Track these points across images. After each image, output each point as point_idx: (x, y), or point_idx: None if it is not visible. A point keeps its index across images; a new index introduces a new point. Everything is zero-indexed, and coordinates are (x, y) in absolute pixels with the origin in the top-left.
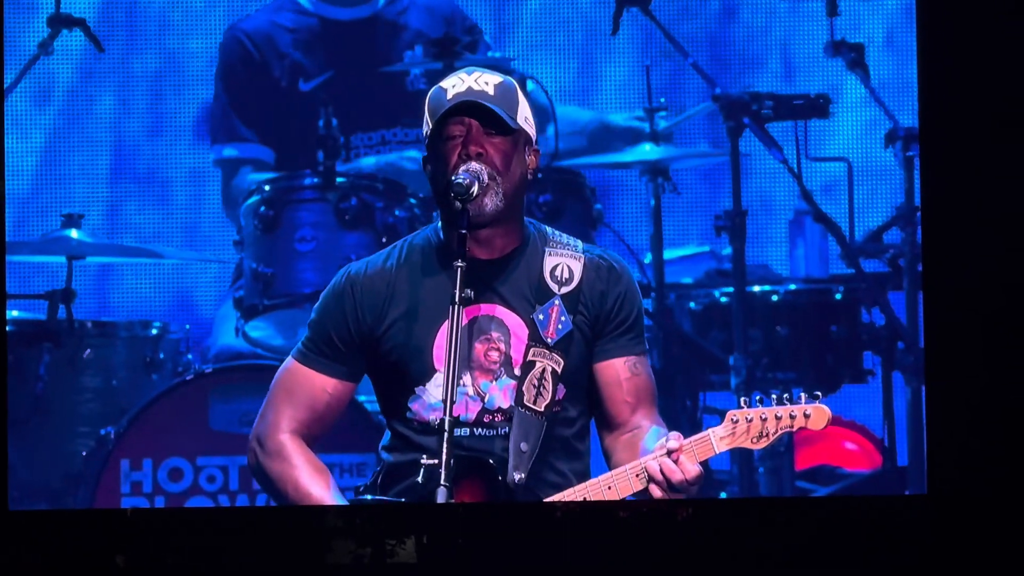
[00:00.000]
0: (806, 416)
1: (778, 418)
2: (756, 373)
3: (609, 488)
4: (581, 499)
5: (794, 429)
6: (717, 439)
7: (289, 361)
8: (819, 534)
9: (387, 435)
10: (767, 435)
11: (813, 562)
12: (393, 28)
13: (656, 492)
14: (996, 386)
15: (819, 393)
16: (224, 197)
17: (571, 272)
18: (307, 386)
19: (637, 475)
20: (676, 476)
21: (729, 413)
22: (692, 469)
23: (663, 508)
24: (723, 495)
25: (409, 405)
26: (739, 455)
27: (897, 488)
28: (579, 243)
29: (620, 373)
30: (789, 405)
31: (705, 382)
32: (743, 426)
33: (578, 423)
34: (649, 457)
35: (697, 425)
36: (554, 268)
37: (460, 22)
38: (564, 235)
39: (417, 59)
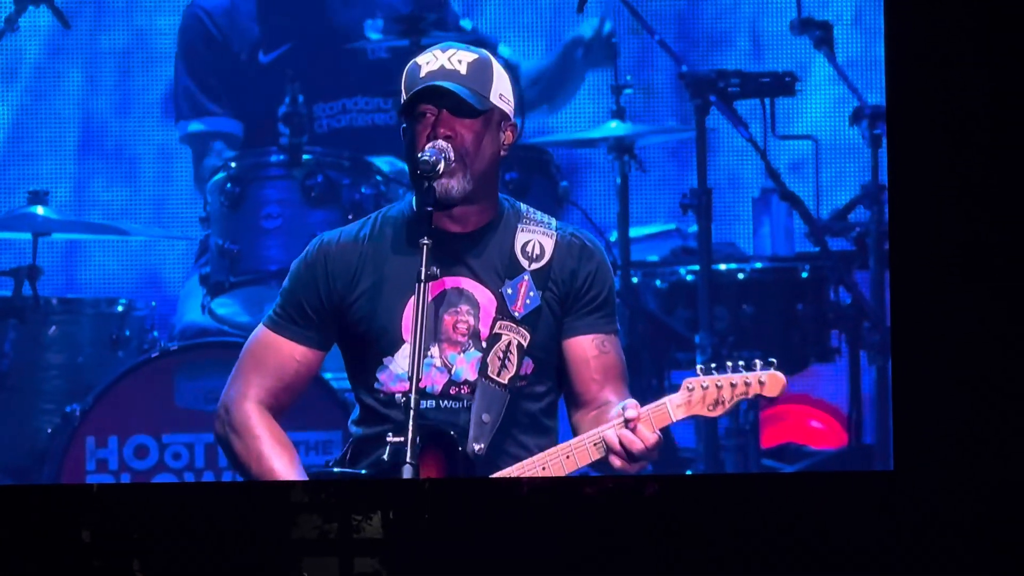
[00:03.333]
0: (760, 383)
1: (733, 385)
2: (722, 351)
3: (567, 457)
4: (540, 468)
5: (749, 396)
6: (674, 407)
7: (259, 328)
8: (785, 510)
9: (356, 409)
10: (723, 403)
11: (779, 538)
12: None
13: (615, 462)
14: (961, 364)
15: (774, 360)
16: (196, 175)
17: (542, 248)
18: (276, 353)
19: (595, 444)
20: (635, 446)
21: (685, 381)
22: (650, 436)
23: (629, 484)
24: (688, 472)
25: (377, 376)
26: (704, 432)
27: (863, 466)
28: (553, 221)
29: (588, 351)
30: (744, 372)
31: (671, 360)
32: (699, 394)
33: (546, 399)
34: (606, 426)
35: None
36: (525, 244)
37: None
38: (539, 212)
39: (379, 29)
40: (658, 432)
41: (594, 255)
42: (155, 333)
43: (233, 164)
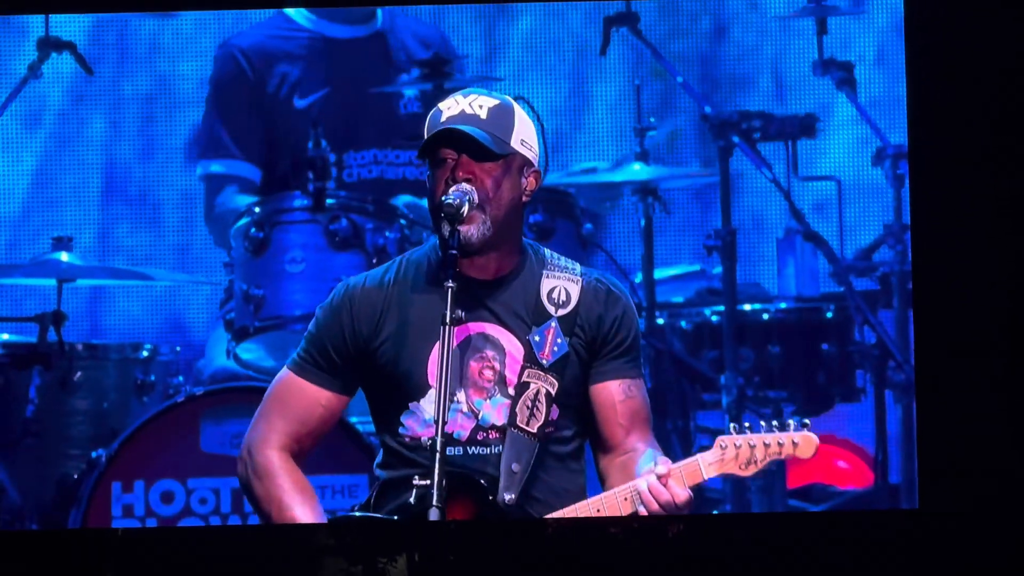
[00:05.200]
0: (794, 444)
1: (766, 445)
2: (747, 392)
3: (598, 510)
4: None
5: (782, 456)
6: (706, 464)
7: (284, 371)
8: (811, 550)
9: (380, 453)
10: (755, 462)
11: None
12: (390, 49)
13: (644, 515)
14: (985, 402)
15: (808, 421)
16: (206, 213)
17: (568, 295)
18: (300, 398)
19: (626, 498)
20: (664, 497)
21: (719, 439)
22: (681, 493)
23: (653, 524)
24: (715, 512)
25: (403, 420)
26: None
27: (889, 505)
28: (577, 266)
29: (615, 396)
30: (778, 432)
31: (696, 401)
32: (732, 452)
33: (572, 443)
34: (638, 480)
35: (689, 444)
36: (551, 290)
37: (450, 50)
38: (563, 258)
39: (409, 81)
40: (689, 490)
41: (620, 300)
42: (180, 378)
43: (257, 209)
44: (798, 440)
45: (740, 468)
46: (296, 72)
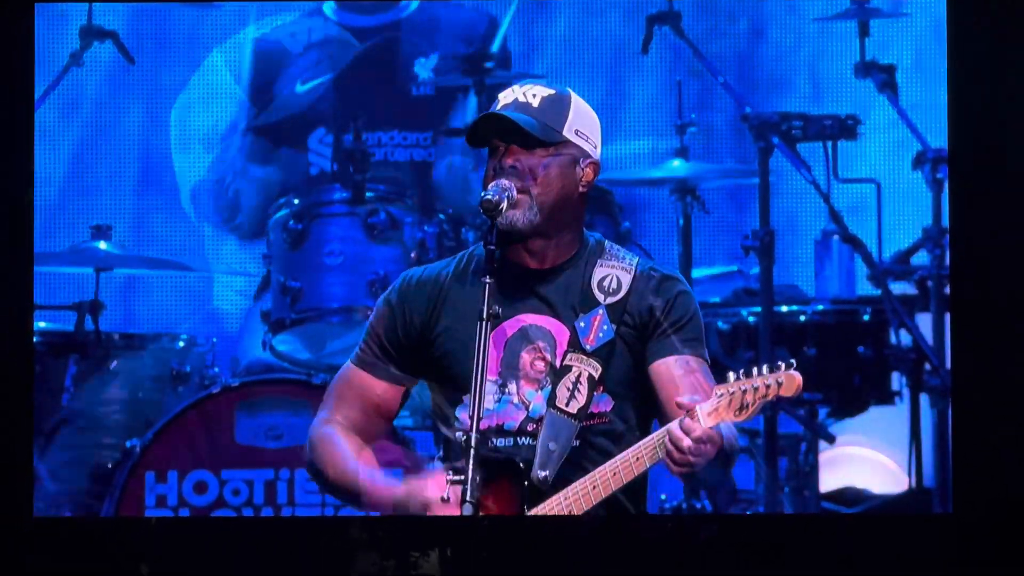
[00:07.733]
0: (779, 384)
1: (755, 389)
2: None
3: (638, 458)
4: (591, 487)
5: (770, 397)
6: (704, 415)
7: (345, 364)
8: (844, 553)
9: (442, 446)
10: (747, 407)
11: None
12: (415, 34)
13: (671, 466)
14: (1021, 407)
15: (793, 361)
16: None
17: (619, 283)
18: (358, 388)
19: (638, 459)
20: (684, 442)
21: (715, 387)
22: (697, 427)
23: (687, 524)
24: (748, 513)
25: (457, 414)
26: (764, 475)
27: (923, 509)
28: (636, 258)
29: (673, 371)
30: (765, 375)
31: None
32: (726, 400)
33: (625, 439)
34: (649, 438)
35: None
36: (603, 279)
37: (480, 39)
38: (623, 250)
39: (430, 68)
40: (706, 428)
41: (675, 284)
42: (216, 369)
43: (296, 201)
44: (782, 379)
45: (735, 414)
46: (316, 62)
